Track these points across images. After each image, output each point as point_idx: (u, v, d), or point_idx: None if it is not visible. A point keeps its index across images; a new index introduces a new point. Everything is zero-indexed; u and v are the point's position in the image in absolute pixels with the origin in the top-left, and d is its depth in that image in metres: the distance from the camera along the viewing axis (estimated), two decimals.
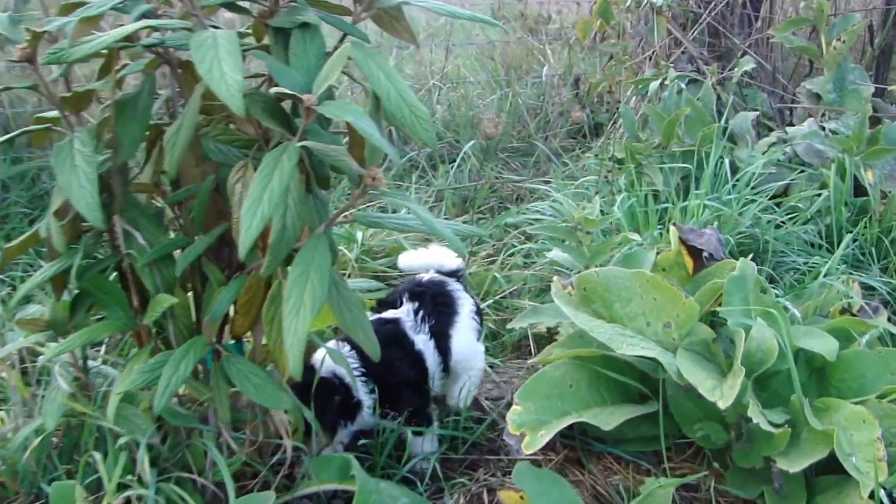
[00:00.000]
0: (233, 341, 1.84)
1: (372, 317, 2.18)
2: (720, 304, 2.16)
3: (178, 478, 1.81)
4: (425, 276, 2.31)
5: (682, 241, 2.40)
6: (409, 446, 2.07)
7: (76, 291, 1.80)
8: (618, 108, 4.78)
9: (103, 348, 2.40)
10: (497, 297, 2.92)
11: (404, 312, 2.16)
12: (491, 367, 2.56)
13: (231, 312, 1.76)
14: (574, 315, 2.02)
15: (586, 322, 2.00)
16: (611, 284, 2.10)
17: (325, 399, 1.99)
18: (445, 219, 3.93)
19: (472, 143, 4.78)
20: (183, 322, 1.79)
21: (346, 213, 1.54)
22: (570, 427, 1.98)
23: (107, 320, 1.79)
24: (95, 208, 1.48)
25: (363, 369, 2.04)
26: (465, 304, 2.26)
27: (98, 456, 1.76)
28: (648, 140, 3.87)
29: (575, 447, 2.14)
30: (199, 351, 1.62)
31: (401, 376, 2.07)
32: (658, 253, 2.43)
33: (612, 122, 4.98)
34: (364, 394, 2.04)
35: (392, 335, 2.10)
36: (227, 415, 1.74)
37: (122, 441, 1.76)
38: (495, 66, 6.22)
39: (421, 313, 2.15)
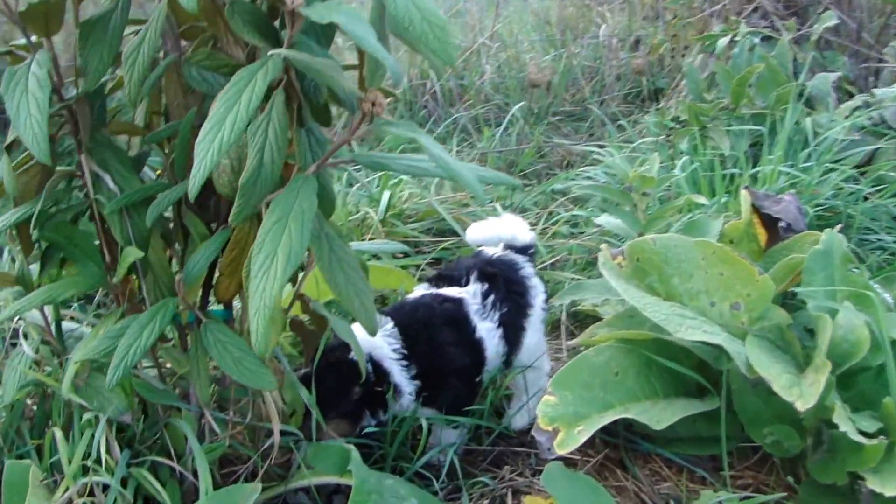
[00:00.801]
0: (220, 307, 1.58)
1: (429, 290, 1.93)
2: (797, 284, 1.83)
3: (155, 462, 1.56)
4: (494, 253, 2.02)
5: (755, 209, 2.06)
6: (430, 435, 1.80)
7: (46, 244, 1.57)
8: (680, 72, 4.41)
9: (91, 308, 2.17)
10: (537, 268, 2.61)
11: (470, 293, 1.88)
12: None
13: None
14: (624, 290, 1.70)
15: (638, 298, 1.68)
16: (669, 255, 1.77)
17: (350, 384, 1.73)
18: (488, 185, 3.63)
19: (520, 104, 4.46)
20: (163, 282, 1.53)
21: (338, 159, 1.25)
22: (614, 421, 1.67)
23: (75, 276, 1.55)
24: (42, 140, 1.26)
25: (405, 351, 1.77)
26: (539, 294, 1.99)
27: (59, 433, 1.52)
28: (715, 101, 3.50)
29: (618, 446, 1.83)
30: (168, 316, 1.36)
31: (452, 364, 1.80)
32: (726, 222, 2.09)
33: (673, 86, 4.62)
34: (405, 379, 1.77)
35: (451, 316, 1.83)
36: (207, 392, 1.49)
37: (87, 416, 1.51)
38: (550, 28, 5.87)
39: (492, 298, 1.87)
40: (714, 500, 1.49)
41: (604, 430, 1.64)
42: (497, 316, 1.86)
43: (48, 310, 1.67)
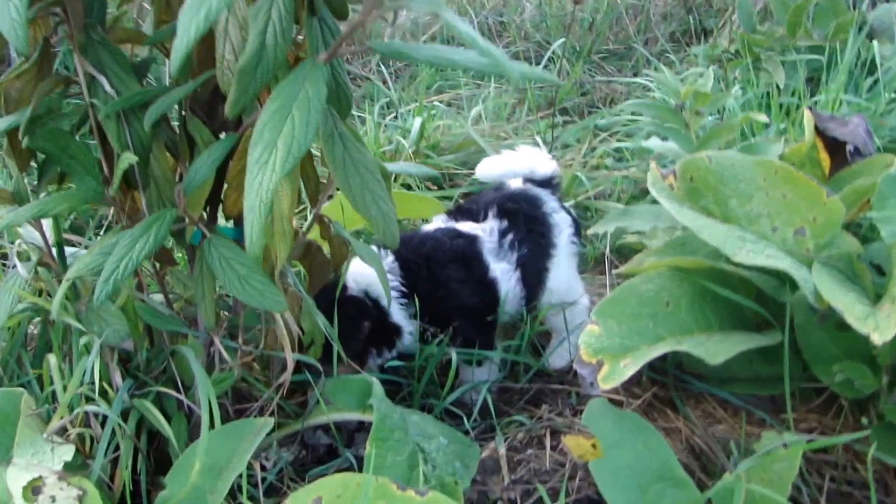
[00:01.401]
0: (231, 224, 1.45)
1: (443, 224, 1.78)
2: (865, 211, 1.65)
3: (162, 394, 1.44)
4: (515, 186, 1.86)
5: (819, 132, 1.86)
6: (459, 372, 1.67)
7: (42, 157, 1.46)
8: (729, 10, 4.16)
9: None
10: (579, 199, 2.43)
11: (486, 231, 1.73)
12: None
13: None
14: (677, 211, 1.52)
15: (692, 220, 1.50)
16: (726, 174, 1.59)
17: (352, 322, 1.60)
18: (528, 120, 3.45)
19: (562, 40, 4.24)
20: (167, 196, 1.40)
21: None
22: (663, 358, 1.50)
23: (70, 190, 1.42)
24: (21, 28, 1.12)
25: (404, 288, 1.63)
26: (565, 230, 1.81)
27: (53, 359, 1.40)
28: (769, 32, 3.27)
29: (667, 385, 1.66)
30: (164, 228, 1.22)
31: (456, 302, 1.67)
32: (786, 146, 1.90)
33: (722, 24, 4.36)
34: (404, 318, 1.64)
35: (460, 252, 1.69)
36: (213, 316, 1.35)
37: (84, 341, 1.39)
38: None
39: (509, 238, 1.72)
40: (778, 442, 1.32)
41: (652, 367, 1.49)
42: (515, 257, 1.72)
43: (48, 230, 1.55)
